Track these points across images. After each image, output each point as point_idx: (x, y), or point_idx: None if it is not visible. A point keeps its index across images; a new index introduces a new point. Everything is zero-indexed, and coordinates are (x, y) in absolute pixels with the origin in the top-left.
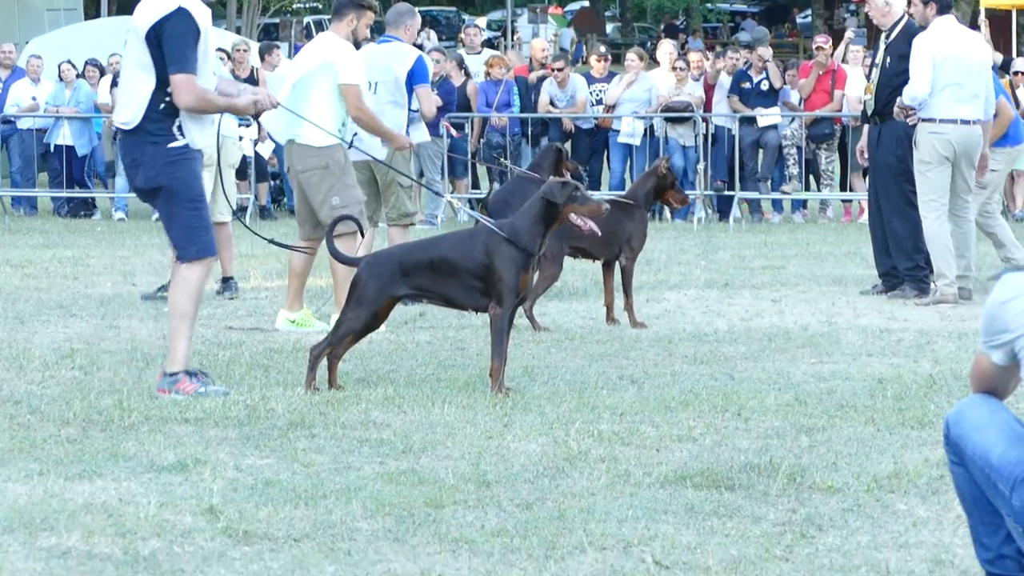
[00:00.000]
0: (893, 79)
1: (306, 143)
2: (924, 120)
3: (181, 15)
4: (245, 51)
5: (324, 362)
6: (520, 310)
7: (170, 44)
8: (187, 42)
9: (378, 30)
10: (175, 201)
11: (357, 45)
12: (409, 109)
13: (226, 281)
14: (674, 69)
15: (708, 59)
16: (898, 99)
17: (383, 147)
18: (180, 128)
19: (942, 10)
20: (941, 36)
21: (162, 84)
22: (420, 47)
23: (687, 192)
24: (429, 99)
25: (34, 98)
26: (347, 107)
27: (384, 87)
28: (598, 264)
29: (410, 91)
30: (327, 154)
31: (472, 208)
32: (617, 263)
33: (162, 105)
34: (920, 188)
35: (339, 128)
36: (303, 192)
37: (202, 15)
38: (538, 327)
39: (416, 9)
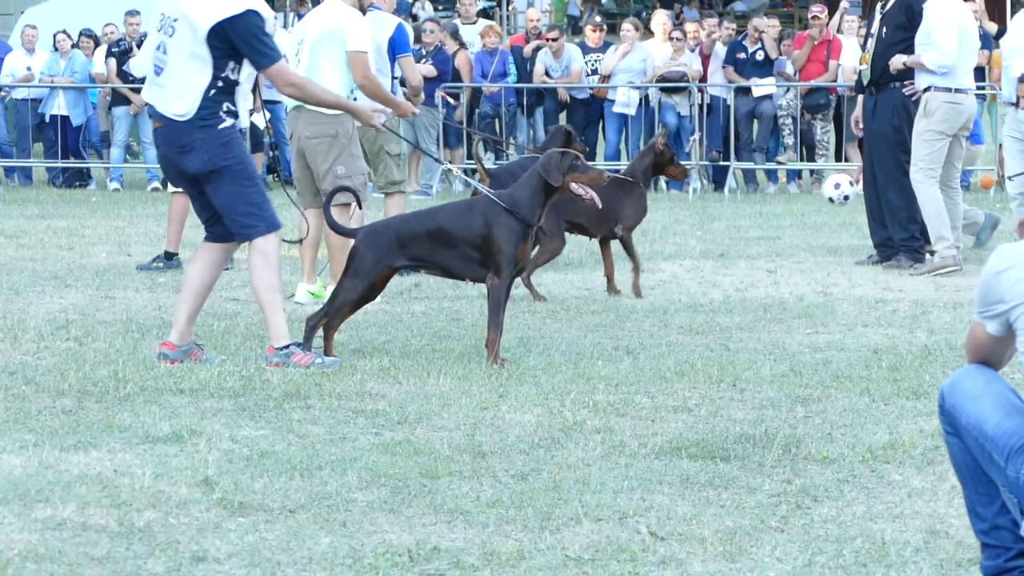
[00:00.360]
0: (889, 49)
1: (316, 110)
2: (939, 89)
3: (250, 15)
4: None
5: (320, 333)
6: (518, 280)
7: (251, 42)
8: (263, 33)
9: None
10: (235, 180)
11: (363, 11)
12: (392, 77)
13: None
14: (670, 39)
15: (704, 29)
16: (904, 57)
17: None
18: (228, 111)
19: None
20: (957, 5)
21: (217, 74)
22: (415, 17)
23: (683, 163)
24: (413, 69)
25: (29, 68)
26: (354, 74)
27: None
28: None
29: (392, 59)
30: (337, 122)
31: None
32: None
33: (212, 92)
34: (922, 156)
35: (348, 95)
36: (304, 160)
37: (264, 7)
38: (537, 296)
39: None
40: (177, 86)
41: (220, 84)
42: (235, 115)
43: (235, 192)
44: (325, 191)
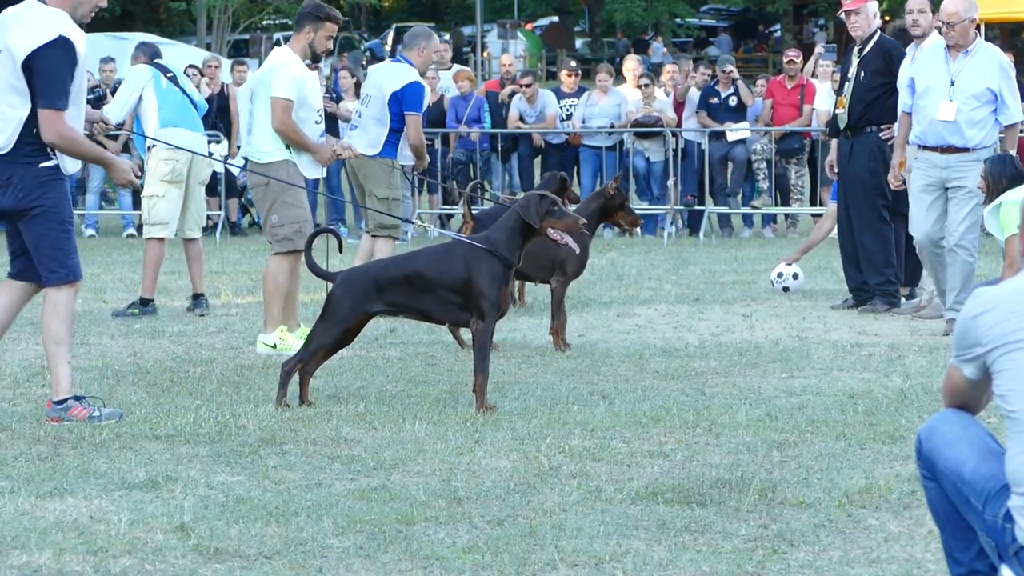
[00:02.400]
0: (867, 93)
1: (253, 159)
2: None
3: (61, 45)
4: (216, 67)
5: (295, 378)
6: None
7: (44, 77)
8: (62, 76)
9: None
10: (46, 222)
11: (317, 58)
12: (393, 130)
13: (196, 298)
14: (639, 86)
15: (676, 64)
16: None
17: (313, 163)
18: (52, 149)
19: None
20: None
21: (35, 109)
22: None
23: (658, 207)
24: (415, 129)
25: None
26: (272, 119)
27: (374, 103)
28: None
29: (395, 111)
30: (269, 171)
31: (443, 224)
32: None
33: (35, 129)
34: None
35: (279, 148)
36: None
37: (81, 43)
38: (464, 344)
39: (433, 34)
40: None
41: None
42: (55, 155)
43: (43, 234)
44: (267, 239)
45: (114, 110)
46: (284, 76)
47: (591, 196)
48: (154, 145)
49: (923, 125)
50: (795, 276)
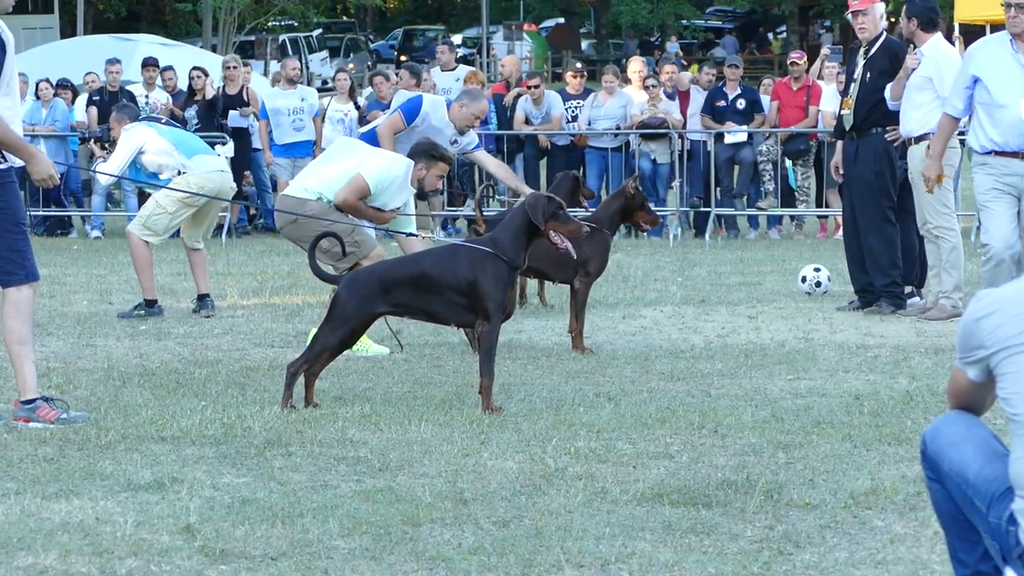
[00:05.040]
0: (873, 94)
1: (288, 194)
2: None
3: None
4: (235, 68)
5: (301, 380)
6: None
7: None
8: None
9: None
10: (1, 225)
11: (423, 196)
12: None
13: (202, 299)
14: (645, 88)
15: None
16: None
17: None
18: (2, 152)
19: (930, 27)
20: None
21: None
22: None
23: (663, 208)
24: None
25: None
26: (341, 191)
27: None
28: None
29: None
30: (299, 207)
31: (447, 226)
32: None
33: None
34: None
35: (320, 195)
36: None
37: (9, 38)
38: (475, 348)
39: (482, 96)
40: None
41: None
42: (5, 158)
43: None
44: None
45: (110, 169)
46: (384, 166)
47: (611, 196)
48: (185, 170)
49: (1002, 128)
50: (817, 284)
